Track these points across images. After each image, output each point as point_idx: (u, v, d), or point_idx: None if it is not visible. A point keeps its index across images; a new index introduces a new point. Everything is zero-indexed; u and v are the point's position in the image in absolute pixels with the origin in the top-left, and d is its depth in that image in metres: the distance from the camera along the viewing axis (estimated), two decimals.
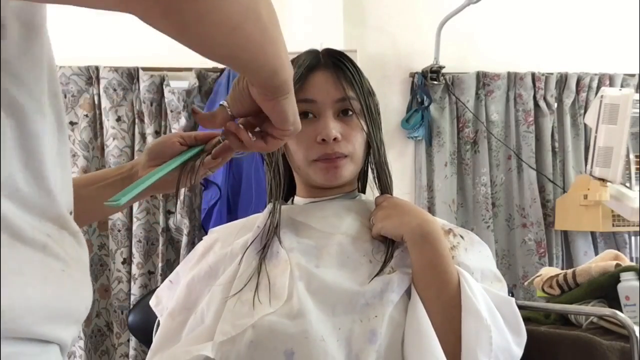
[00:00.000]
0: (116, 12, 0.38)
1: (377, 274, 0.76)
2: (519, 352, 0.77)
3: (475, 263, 0.81)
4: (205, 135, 0.76)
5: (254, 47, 0.47)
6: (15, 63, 0.37)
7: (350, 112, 0.83)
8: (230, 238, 0.86)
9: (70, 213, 0.43)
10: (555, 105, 2.53)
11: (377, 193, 0.90)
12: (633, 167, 2.60)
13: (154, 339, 0.82)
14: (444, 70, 2.45)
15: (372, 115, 0.86)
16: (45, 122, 0.39)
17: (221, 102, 0.64)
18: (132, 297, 2.22)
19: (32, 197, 0.37)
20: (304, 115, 0.82)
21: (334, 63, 0.84)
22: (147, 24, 0.39)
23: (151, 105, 2.28)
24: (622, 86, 2.49)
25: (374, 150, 0.87)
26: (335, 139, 0.81)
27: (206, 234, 0.93)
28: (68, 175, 0.44)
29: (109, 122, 2.28)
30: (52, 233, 0.39)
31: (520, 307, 0.79)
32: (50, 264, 0.38)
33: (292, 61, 0.86)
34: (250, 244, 0.82)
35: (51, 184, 0.39)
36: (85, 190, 0.74)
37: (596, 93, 2.41)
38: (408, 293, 0.76)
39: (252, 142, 0.65)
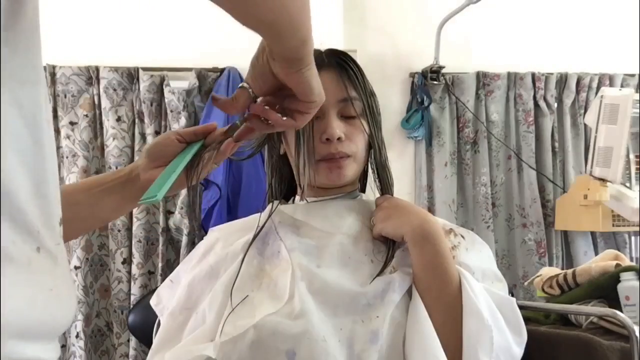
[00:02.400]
0: None
1: (379, 274, 0.76)
2: (520, 352, 0.77)
3: (476, 263, 0.81)
4: (205, 129, 0.75)
5: (295, 11, 0.48)
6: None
7: (353, 113, 0.84)
8: (231, 238, 0.86)
9: (61, 222, 0.42)
10: (555, 105, 2.52)
11: (377, 193, 0.90)
12: (633, 167, 2.60)
13: (155, 339, 0.82)
14: (444, 70, 2.45)
15: (373, 115, 0.86)
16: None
17: (241, 85, 0.62)
18: (132, 297, 2.22)
19: (28, 207, 0.36)
20: None
21: (338, 63, 0.84)
22: None
23: (151, 105, 2.28)
24: (622, 86, 2.49)
25: (375, 150, 0.87)
26: (339, 138, 0.81)
27: (206, 233, 0.93)
28: (57, 180, 0.42)
29: (109, 122, 2.28)
30: (49, 244, 0.37)
31: (520, 307, 0.79)
32: (40, 283, 0.36)
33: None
34: (251, 243, 0.82)
35: (50, 186, 0.38)
36: (83, 196, 0.72)
37: (596, 93, 2.41)
38: (409, 293, 0.76)
39: (282, 121, 0.64)
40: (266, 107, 0.64)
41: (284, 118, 0.64)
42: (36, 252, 0.36)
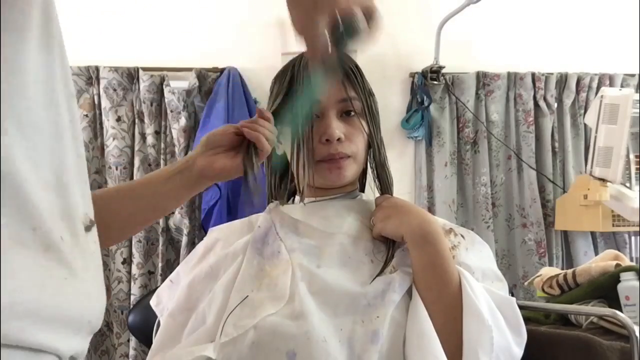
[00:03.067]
0: None
1: (379, 274, 0.76)
2: (520, 352, 0.77)
3: (476, 262, 0.81)
4: (259, 115, 0.78)
5: None
6: None
7: (353, 113, 0.84)
8: (231, 238, 0.86)
9: (92, 222, 0.43)
10: (555, 105, 2.52)
11: (377, 193, 0.90)
12: (633, 167, 2.60)
13: (155, 340, 0.82)
14: (444, 70, 2.45)
15: (373, 115, 0.86)
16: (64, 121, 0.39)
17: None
18: (132, 297, 2.23)
19: (48, 195, 0.37)
20: None
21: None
22: None
23: (151, 105, 2.28)
24: (622, 86, 2.49)
25: (374, 150, 0.87)
26: (338, 139, 0.81)
27: (206, 233, 0.93)
28: (84, 178, 0.44)
29: (109, 122, 2.28)
30: (65, 236, 0.38)
31: (520, 307, 0.79)
32: (52, 269, 0.36)
33: (294, 61, 0.86)
34: (251, 244, 0.82)
35: (70, 184, 0.39)
36: (144, 189, 0.76)
37: (596, 93, 2.41)
38: (409, 293, 0.76)
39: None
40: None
41: None
42: (54, 242, 0.37)
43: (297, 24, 0.61)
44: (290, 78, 0.83)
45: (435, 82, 2.45)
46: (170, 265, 2.27)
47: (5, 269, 0.33)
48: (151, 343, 0.82)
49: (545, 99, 2.49)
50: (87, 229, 0.42)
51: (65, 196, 0.39)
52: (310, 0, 0.59)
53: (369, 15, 0.65)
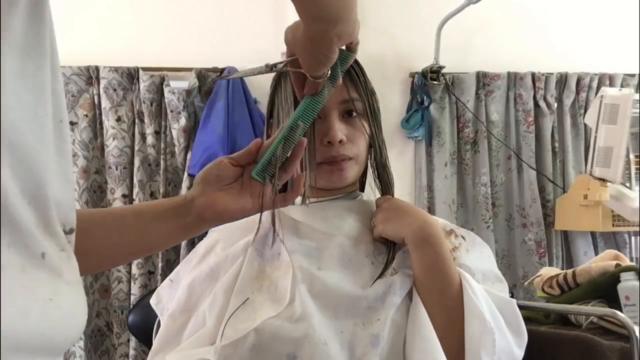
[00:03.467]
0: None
1: (379, 277, 0.76)
2: (520, 353, 0.77)
3: (476, 264, 0.81)
4: (255, 146, 0.73)
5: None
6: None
7: (354, 114, 0.83)
8: (231, 239, 0.86)
9: (71, 231, 0.39)
10: (555, 105, 2.52)
11: (377, 193, 0.90)
12: (633, 167, 2.60)
13: (155, 341, 0.81)
14: (444, 70, 2.45)
15: (374, 115, 0.86)
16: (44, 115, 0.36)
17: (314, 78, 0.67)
18: (132, 297, 2.22)
19: (27, 206, 0.33)
20: None
21: None
22: None
23: (151, 105, 2.28)
24: (622, 86, 2.49)
25: (375, 151, 0.87)
26: (340, 141, 0.80)
27: (206, 233, 0.93)
28: (70, 186, 0.40)
29: (109, 122, 2.28)
30: (48, 250, 0.34)
31: (520, 307, 0.79)
32: (35, 290, 0.33)
33: (295, 60, 0.85)
34: (252, 245, 0.82)
35: (49, 192, 0.35)
36: (133, 219, 0.68)
37: (596, 93, 2.41)
38: (410, 295, 0.76)
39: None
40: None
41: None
42: (34, 259, 0.33)
43: (308, 68, 0.64)
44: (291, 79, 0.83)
45: (435, 82, 2.45)
46: (170, 265, 2.27)
47: None
48: (151, 343, 0.82)
49: (545, 99, 2.49)
50: (69, 239, 0.39)
51: (46, 206, 0.35)
52: (326, 47, 0.61)
53: (354, 48, 0.69)
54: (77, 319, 0.37)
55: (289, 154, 0.72)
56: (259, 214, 0.87)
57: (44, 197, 0.35)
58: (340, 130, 0.81)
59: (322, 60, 0.63)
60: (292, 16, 0.59)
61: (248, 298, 0.74)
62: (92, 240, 0.62)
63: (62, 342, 0.36)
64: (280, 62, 0.72)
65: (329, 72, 0.69)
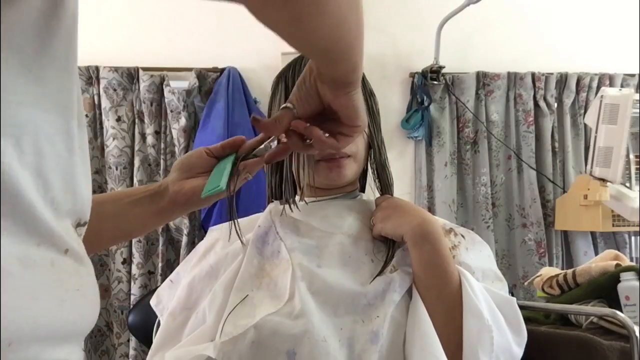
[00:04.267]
0: (226, 2, 0.37)
1: (379, 274, 0.76)
2: (520, 352, 0.77)
3: (476, 262, 0.81)
4: (234, 142, 0.74)
5: (351, 39, 0.48)
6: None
7: None
8: (231, 238, 0.86)
9: (85, 224, 0.41)
10: (555, 105, 2.52)
11: (377, 193, 0.90)
12: (633, 167, 2.60)
13: (155, 339, 0.82)
14: (444, 70, 2.45)
15: (373, 115, 0.86)
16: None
17: (284, 105, 0.60)
18: (132, 297, 2.22)
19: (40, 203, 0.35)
20: None
21: None
22: (258, 15, 0.39)
23: (151, 105, 2.28)
24: (622, 86, 2.49)
25: (374, 151, 0.87)
26: None
27: (206, 233, 0.93)
28: (87, 179, 0.41)
29: (109, 122, 2.28)
30: (71, 245, 0.37)
31: (520, 307, 0.79)
32: (65, 283, 0.35)
33: (295, 60, 0.86)
34: (251, 243, 0.82)
35: (77, 191, 0.38)
36: (111, 207, 0.71)
37: (596, 93, 2.41)
38: (409, 293, 0.76)
39: (324, 139, 0.61)
40: (308, 125, 0.61)
41: (326, 135, 0.62)
42: (59, 254, 0.35)
43: (329, 94, 0.58)
44: (292, 79, 0.83)
45: (435, 82, 2.45)
46: (170, 265, 2.27)
47: (24, 294, 0.31)
48: (151, 343, 0.82)
49: (545, 99, 2.49)
50: (81, 231, 0.41)
51: (72, 206, 0.38)
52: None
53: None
54: (97, 304, 0.40)
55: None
56: (259, 213, 0.88)
57: (70, 198, 0.37)
58: None
59: (306, 99, 0.60)
60: None
61: (247, 295, 0.75)
62: None
63: (87, 328, 0.38)
64: None
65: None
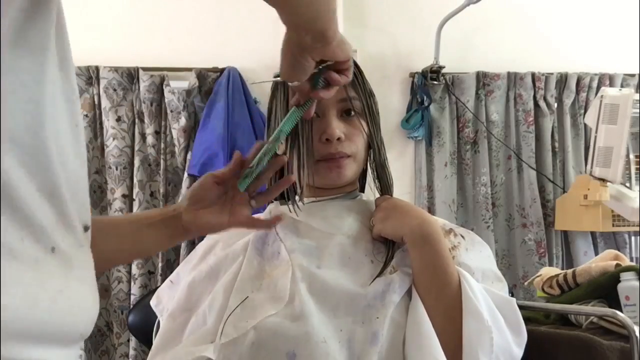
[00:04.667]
0: None
1: (378, 275, 0.76)
2: (519, 352, 0.77)
3: (476, 263, 0.81)
4: (235, 161, 0.77)
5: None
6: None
7: (353, 113, 0.83)
8: (231, 239, 0.86)
9: (87, 228, 0.42)
10: (555, 105, 2.52)
11: (377, 193, 0.90)
12: (633, 167, 2.60)
13: (155, 340, 0.82)
14: (444, 70, 2.45)
15: (373, 115, 0.86)
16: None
17: (290, 83, 0.69)
18: (132, 297, 2.22)
19: (42, 203, 0.35)
20: None
21: None
22: None
23: (151, 105, 2.28)
24: (622, 86, 2.49)
25: (374, 151, 0.87)
26: (338, 138, 0.81)
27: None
28: (84, 184, 0.43)
29: (109, 122, 2.28)
30: (61, 245, 0.37)
31: (520, 307, 0.79)
32: (45, 282, 0.35)
33: None
34: (251, 244, 0.82)
35: (62, 188, 0.38)
36: (129, 228, 0.76)
37: (596, 93, 2.41)
38: (409, 294, 0.76)
39: (338, 77, 0.70)
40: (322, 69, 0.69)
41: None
42: (46, 253, 0.35)
43: (283, 73, 0.66)
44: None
45: (435, 82, 2.45)
46: (170, 265, 2.27)
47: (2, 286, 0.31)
48: (151, 343, 0.82)
49: (545, 99, 2.49)
50: (86, 236, 0.41)
51: (63, 204, 0.38)
52: (299, 54, 0.63)
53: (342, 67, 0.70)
54: (88, 312, 0.39)
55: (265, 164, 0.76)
56: (259, 214, 0.88)
57: (60, 196, 0.37)
58: (338, 127, 0.81)
59: (295, 66, 0.65)
60: None
61: (247, 296, 0.74)
62: (96, 245, 0.67)
63: (72, 333, 0.38)
64: None
65: (314, 85, 0.71)
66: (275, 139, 0.74)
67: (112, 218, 0.79)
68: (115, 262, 0.83)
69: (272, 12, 0.58)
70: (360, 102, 0.83)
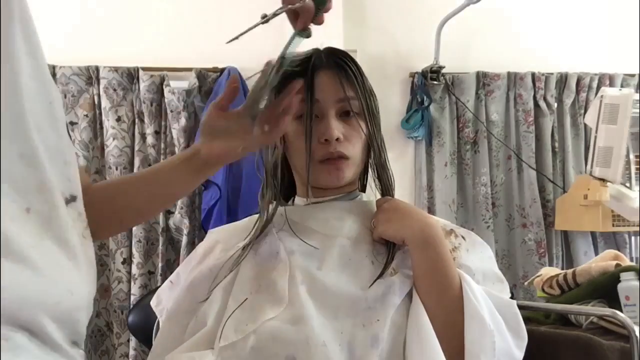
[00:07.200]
0: None
1: (379, 277, 0.76)
2: (520, 355, 0.77)
3: (476, 264, 0.81)
4: (229, 87, 0.80)
5: None
6: None
7: (351, 113, 0.83)
8: (230, 240, 0.86)
9: (72, 197, 0.44)
10: (555, 105, 2.52)
11: (378, 193, 0.89)
12: (633, 167, 2.60)
13: (154, 342, 0.81)
14: (444, 70, 2.45)
15: (372, 115, 0.85)
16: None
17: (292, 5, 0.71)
18: (132, 297, 2.22)
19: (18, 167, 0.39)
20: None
21: (336, 63, 0.84)
22: None
23: (151, 105, 2.28)
24: (622, 86, 2.49)
25: (374, 151, 0.87)
26: (337, 139, 0.80)
27: (206, 233, 0.93)
28: (65, 158, 0.46)
29: (109, 122, 2.28)
30: (36, 207, 0.39)
31: (520, 307, 0.79)
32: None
33: (295, 60, 0.85)
34: (250, 245, 0.82)
35: (40, 157, 0.41)
36: (156, 176, 0.79)
37: (596, 93, 2.41)
38: (410, 296, 0.76)
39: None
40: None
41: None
42: (20, 213, 0.38)
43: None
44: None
45: (435, 82, 2.45)
46: (170, 265, 2.27)
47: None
48: (151, 343, 0.82)
49: (545, 99, 2.49)
50: (67, 202, 0.44)
51: (39, 170, 0.41)
52: None
53: None
54: (62, 275, 0.41)
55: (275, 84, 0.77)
56: (256, 216, 0.88)
57: (39, 164, 0.41)
58: (337, 128, 0.81)
59: None
60: None
61: (247, 298, 0.74)
62: (129, 199, 0.77)
63: (41, 296, 0.39)
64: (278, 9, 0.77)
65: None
66: (278, 65, 0.76)
67: (137, 174, 0.89)
68: (150, 211, 0.87)
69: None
70: (359, 102, 0.83)
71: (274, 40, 2.54)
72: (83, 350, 0.46)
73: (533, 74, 2.50)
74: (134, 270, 2.23)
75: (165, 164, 0.82)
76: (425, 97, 2.44)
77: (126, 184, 0.81)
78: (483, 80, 2.49)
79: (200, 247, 0.89)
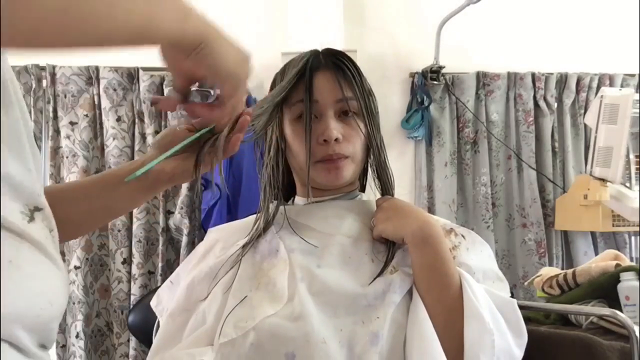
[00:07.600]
0: None
1: (379, 275, 0.76)
2: (520, 353, 0.77)
3: (476, 263, 0.81)
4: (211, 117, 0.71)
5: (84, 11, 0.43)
6: None
7: (350, 113, 0.83)
8: (230, 239, 0.86)
9: (37, 209, 0.43)
10: (555, 105, 2.52)
11: (378, 193, 0.90)
12: (633, 167, 2.60)
13: (154, 340, 0.82)
14: (444, 70, 2.45)
15: (371, 115, 0.85)
16: None
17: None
18: (132, 297, 2.22)
19: None
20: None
21: (334, 63, 0.84)
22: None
23: (151, 105, 2.28)
24: (622, 86, 2.49)
25: (373, 151, 0.87)
26: (336, 139, 0.81)
27: (206, 233, 0.93)
28: (23, 162, 0.44)
29: (109, 122, 2.28)
30: (5, 214, 0.38)
31: (520, 307, 0.79)
32: None
33: (294, 60, 0.86)
34: (250, 244, 0.82)
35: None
36: (98, 188, 0.72)
37: (596, 93, 2.41)
38: (410, 294, 0.76)
39: (196, 109, 0.63)
40: (186, 104, 0.63)
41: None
42: None
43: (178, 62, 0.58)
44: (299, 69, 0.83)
45: (435, 82, 2.45)
46: (170, 265, 2.27)
47: None
48: (151, 343, 0.82)
49: (545, 99, 2.49)
50: (37, 215, 0.42)
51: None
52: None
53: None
54: (39, 290, 0.41)
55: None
56: (254, 215, 0.88)
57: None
58: (336, 128, 0.81)
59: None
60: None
61: (246, 296, 0.74)
62: (66, 210, 0.66)
63: (25, 308, 0.38)
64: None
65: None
66: (179, 148, 0.68)
67: (77, 181, 0.77)
68: (89, 225, 0.79)
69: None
70: (357, 102, 0.83)
71: (272, 41, 2.54)
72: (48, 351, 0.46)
73: (533, 74, 2.50)
74: (134, 270, 2.23)
75: (110, 176, 0.73)
76: (425, 97, 2.44)
77: (60, 195, 0.70)
78: (483, 80, 2.49)
79: (201, 246, 0.90)
